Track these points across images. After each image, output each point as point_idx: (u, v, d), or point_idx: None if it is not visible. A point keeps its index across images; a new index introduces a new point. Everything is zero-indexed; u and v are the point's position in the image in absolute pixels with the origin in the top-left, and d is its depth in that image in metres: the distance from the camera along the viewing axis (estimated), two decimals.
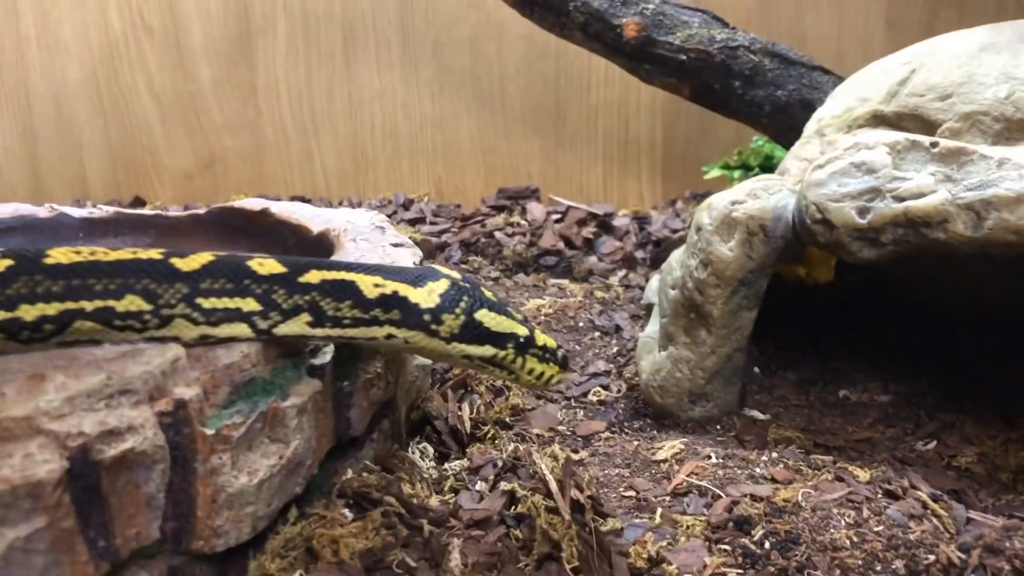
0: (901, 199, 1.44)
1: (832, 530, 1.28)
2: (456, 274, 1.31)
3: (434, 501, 1.37)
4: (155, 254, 1.15)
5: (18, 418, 0.92)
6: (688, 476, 1.47)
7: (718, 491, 1.42)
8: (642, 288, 2.45)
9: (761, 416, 1.78)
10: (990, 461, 1.60)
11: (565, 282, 2.57)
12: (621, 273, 2.61)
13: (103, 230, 2.01)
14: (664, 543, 1.29)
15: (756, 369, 1.93)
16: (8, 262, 1.08)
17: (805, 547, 1.24)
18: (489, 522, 1.32)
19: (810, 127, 1.89)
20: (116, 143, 3.36)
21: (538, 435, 1.69)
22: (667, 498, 1.43)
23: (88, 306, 1.09)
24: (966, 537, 1.27)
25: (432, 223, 3.09)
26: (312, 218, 1.82)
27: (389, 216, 3.16)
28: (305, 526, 1.16)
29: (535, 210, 3.10)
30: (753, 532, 1.28)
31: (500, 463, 1.44)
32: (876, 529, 1.28)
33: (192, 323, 1.14)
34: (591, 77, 2.96)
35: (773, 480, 1.45)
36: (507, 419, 1.70)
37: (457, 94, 3.14)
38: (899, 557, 1.23)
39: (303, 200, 3.32)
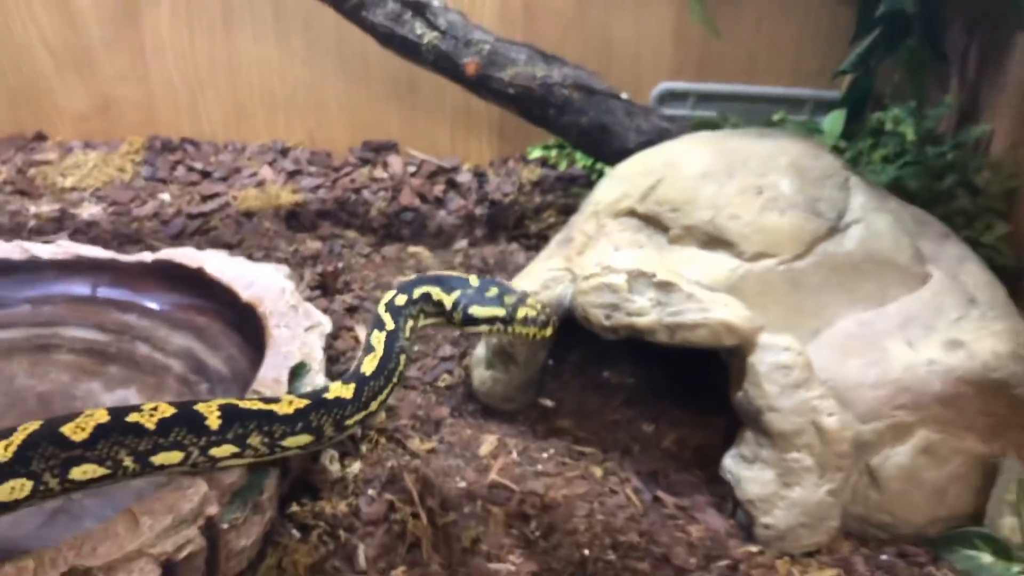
0: (630, 315, 2.30)
1: (574, 519, 2.25)
2: (456, 293, 2.08)
3: (343, 507, 2.24)
4: None
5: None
6: (497, 473, 2.40)
7: (514, 487, 2.35)
8: (481, 265, 3.24)
9: (549, 404, 2.70)
10: (683, 442, 2.59)
11: (420, 249, 3.34)
12: (463, 242, 3.39)
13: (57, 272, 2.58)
14: (481, 529, 2.23)
15: (550, 361, 2.83)
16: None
17: (558, 533, 2.21)
18: (378, 522, 2.21)
19: (590, 205, 2.66)
20: (15, 86, 3.75)
21: (405, 425, 2.56)
22: (485, 490, 2.36)
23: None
24: (650, 519, 2.27)
25: (308, 174, 3.72)
26: (236, 279, 2.50)
27: (270, 164, 3.76)
28: (276, 553, 2.03)
29: (395, 163, 3.77)
30: (530, 523, 2.24)
31: (383, 478, 2.31)
32: (599, 518, 2.25)
33: None
34: None
35: (547, 475, 2.40)
36: (385, 421, 2.55)
37: (325, 63, 3.68)
38: (609, 536, 2.21)
39: (192, 143, 3.86)
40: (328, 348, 2.73)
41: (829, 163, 2.54)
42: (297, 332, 2.31)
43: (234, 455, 1.85)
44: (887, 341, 2.26)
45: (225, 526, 1.87)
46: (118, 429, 1.68)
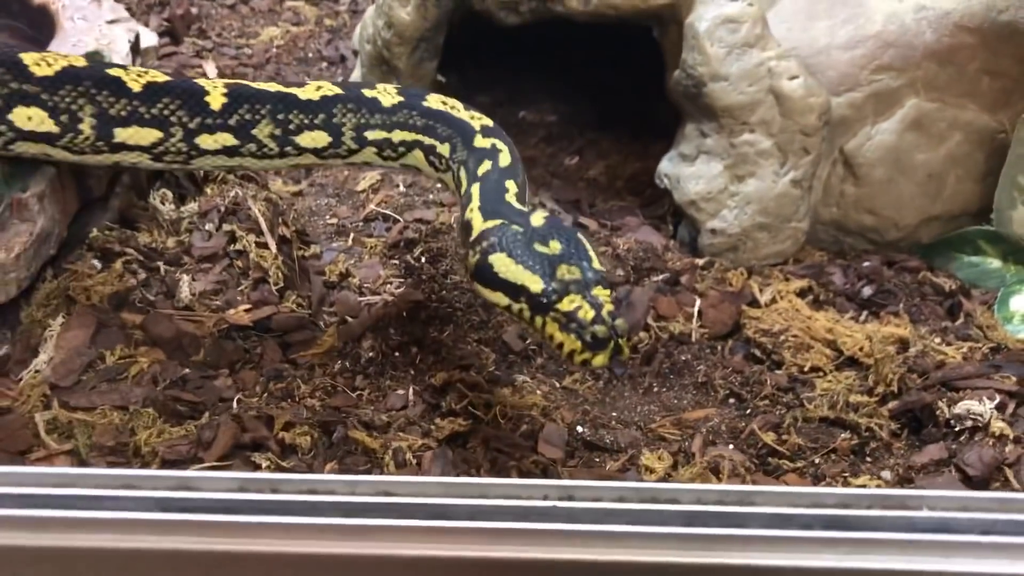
0: None
1: None
2: (494, 221, 1.24)
3: (171, 243, 1.72)
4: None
5: None
6: (378, 205, 1.90)
7: (398, 216, 1.85)
8: None
9: None
10: (612, 172, 2.10)
11: (300, 3, 2.78)
12: None
13: None
14: (352, 262, 1.73)
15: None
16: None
17: (448, 259, 1.71)
18: (215, 257, 1.70)
19: None
20: None
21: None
22: (360, 224, 1.86)
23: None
24: None
25: None
26: None
27: None
28: (62, 280, 1.52)
29: None
30: (415, 249, 1.74)
31: (223, 208, 1.80)
32: None
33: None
34: None
35: (441, 204, 1.90)
36: None
37: None
38: None
39: None
40: None
41: None
42: (96, 23, 1.77)
43: (227, 150, 1.45)
44: None
45: None
46: (94, 79, 1.36)
